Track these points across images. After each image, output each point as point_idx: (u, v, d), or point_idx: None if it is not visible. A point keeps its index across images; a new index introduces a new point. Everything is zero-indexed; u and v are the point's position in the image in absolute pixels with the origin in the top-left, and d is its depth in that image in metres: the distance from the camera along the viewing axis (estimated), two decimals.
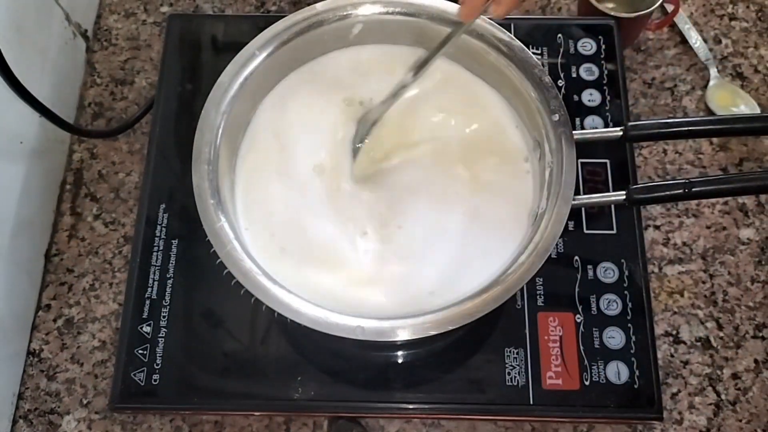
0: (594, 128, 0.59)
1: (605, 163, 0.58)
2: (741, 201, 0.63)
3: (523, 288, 0.48)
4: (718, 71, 0.67)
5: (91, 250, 0.62)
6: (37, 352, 0.59)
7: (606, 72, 0.61)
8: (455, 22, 0.49)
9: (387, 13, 0.54)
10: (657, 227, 0.62)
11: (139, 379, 0.52)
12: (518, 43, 0.52)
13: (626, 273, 0.54)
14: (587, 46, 0.62)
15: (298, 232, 0.51)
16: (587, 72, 0.61)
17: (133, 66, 0.70)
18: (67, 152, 0.66)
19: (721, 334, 0.58)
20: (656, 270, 0.60)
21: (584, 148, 0.52)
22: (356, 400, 0.52)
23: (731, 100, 0.66)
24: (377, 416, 0.56)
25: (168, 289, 0.55)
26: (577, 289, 0.54)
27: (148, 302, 0.54)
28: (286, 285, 0.46)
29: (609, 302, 0.53)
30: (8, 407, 0.57)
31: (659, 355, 0.56)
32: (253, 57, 0.52)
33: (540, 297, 0.54)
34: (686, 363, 0.57)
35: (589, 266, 0.55)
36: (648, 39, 0.69)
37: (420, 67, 0.51)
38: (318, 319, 0.44)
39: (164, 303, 0.54)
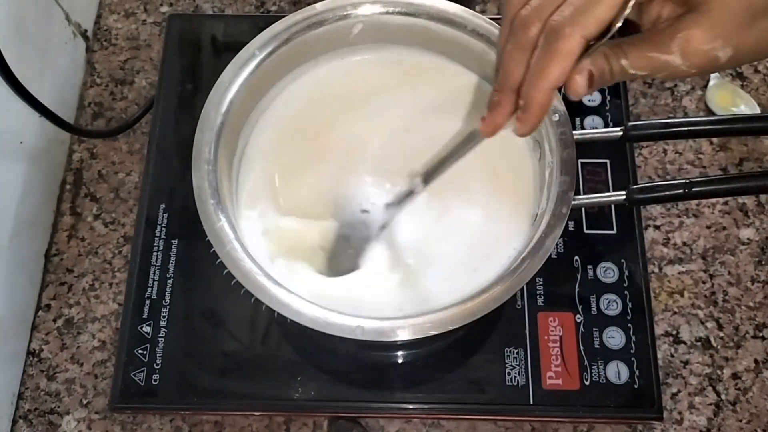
0: (594, 128, 0.59)
1: (605, 163, 0.58)
2: (741, 201, 0.63)
3: (523, 288, 0.48)
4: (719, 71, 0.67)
5: (91, 250, 0.62)
6: (37, 352, 0.59)
7: None
8: (472, 133, 0.45)
9: (387, 13, 0.53)
10: (657, 227, 0.62)
11: (139, 379, 0.52)
12: None
13: (626, 273, 0.54)
14: None
15: (301, 230, 0.51)
16: None
17: (133, 66, 0.70)
18: (67, 152, 0.66)
19: (721, 334, 0.58)
20: (656, 270, 0.60)
21: (584, 148, 0.52)
22: (356, 400, 0.52)
23: (731, 100, 0.66)
24: (377, 416, 0.56)
25: (168, 289, 0.55)
26: (577, 289, 0.54)
27: (148, 302, 0.54)
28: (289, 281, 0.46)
29: (609, 302, 0.53)
30: (8, 407, 0.57)
31: (659, 355, 0.56)
32: (253, 57, 0.52)
33: (540, 297, 0.54)
34: (686, 363, 0.57)
35: (589, 266, 0.55)
36: None
37: (430, 175, 0.48)
38: (318, 319, 0.44)
39: (164, 303, 0.54)
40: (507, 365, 0.52)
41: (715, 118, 0.61)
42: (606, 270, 0.55)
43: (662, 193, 0.48)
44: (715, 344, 0.58)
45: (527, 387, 0.51)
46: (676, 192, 0.47)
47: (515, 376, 0.52)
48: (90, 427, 0.57)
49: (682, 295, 0.59)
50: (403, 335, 0.43)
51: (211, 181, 0.48)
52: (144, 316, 0.54)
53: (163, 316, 0.54)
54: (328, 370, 0.52)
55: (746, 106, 0.66)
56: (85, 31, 0.70)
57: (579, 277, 0.54)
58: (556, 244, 0.54)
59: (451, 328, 0.44)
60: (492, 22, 0.52)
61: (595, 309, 0.53)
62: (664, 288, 0.60)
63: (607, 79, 0.36)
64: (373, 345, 0.52)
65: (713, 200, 0.62)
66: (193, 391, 0.52)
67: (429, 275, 0.50)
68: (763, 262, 0.60)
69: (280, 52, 0.53)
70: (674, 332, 0.58)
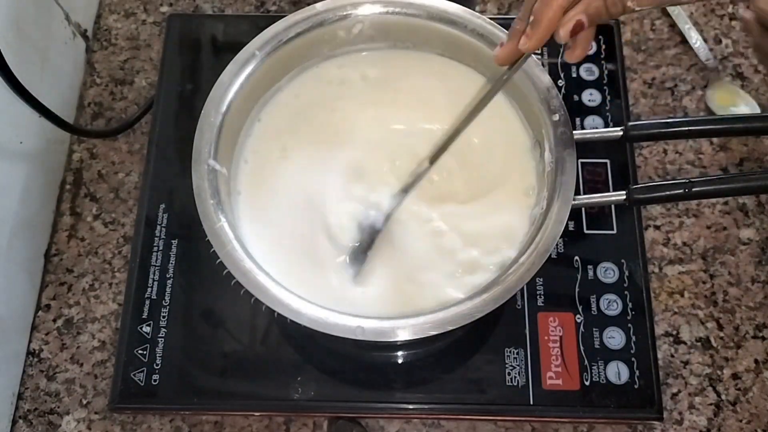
0: (594, 128, 0.59)
1: (605, 163, 0.58)
2: (741, 201, 0.63)
3: (523, 288, 0.48)
4: (719, 71, 0.67)
5: (91, 250, 0.62)
6: (36, 352, 0.59)
7: (606, 72, 0.61)
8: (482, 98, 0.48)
9: (387, 13, 0.54)
10: (657, 227, 0.62)
11: (139, 380, 0.52)
12: None
13: (626, 273, 0.54)
14: None
15: (301, 226, 0.51)
16: (587, 72, 0.61)
17: (133, 66, 0.70)
18: (66, 152, 0.66)
19: (722, 335, 0.58)
20: (656, 270, 0.60)
21: (584, 148, 0.52)
22: (356, 400, 0.52)
23: (731, 100, 0.66)
24: (377, 416, 0.56)
25: (168, 289, 0.55)
26: (577, 289, 0.54)
27: (147, 302, 0.54)
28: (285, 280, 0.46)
29: (609, 302, 0.53)
30: (8, 407, 0.57)
31: (659, 355, 0.56)
32: (253, 57, 0.52)
33: (540, 297, 0.54)
34: (686, 363, 0.57)
35: (589, 266, 0.55)
36: (648, 39, 0.69)
37: (437, 153, 0.51)
38: (318, 319, 0.44)
39: (164, 303, 0.54)
40: (507, 365, 0.52)
41: (715, 118, 0.62)
42: (606, 270, 0.55)
43: (662, 193, 0.48)
44: (715, 344, 0.58)
45: (527, 387, 0.51)
46: (676, 192, 0.47)
47: (515, 377, 0.52)
48: (90, 427, 0.57)
49: (682, 295, 0.59)
50: (403, 335, 0.43)
51: (211, 181, 0.48)
52: (144, 316, 0.54)
53: (163, 316, 0.54)
54: (328, 370, 0.52)
55: (746, 106, 0.66)
56: (85, 31, 0.70)
57: (579, 277, 0.54)
58: (556, 244, 0.54)
59: (450, 328, 0.44)
60: (492, 22, 0.52)
61: (595, 309, 0.53)
62: (664, 288, 0.60)
63: (603, 18, 0.41)
64: (373, 345, 0.52)
65: (713, 200, 0.62)
66: (193, 391, 0.52)
67: (429, 275, 0.50)
68: (763, 262, 0.60)
69: (280, 52, 0.53)
70: (674, 332, 0.58)
